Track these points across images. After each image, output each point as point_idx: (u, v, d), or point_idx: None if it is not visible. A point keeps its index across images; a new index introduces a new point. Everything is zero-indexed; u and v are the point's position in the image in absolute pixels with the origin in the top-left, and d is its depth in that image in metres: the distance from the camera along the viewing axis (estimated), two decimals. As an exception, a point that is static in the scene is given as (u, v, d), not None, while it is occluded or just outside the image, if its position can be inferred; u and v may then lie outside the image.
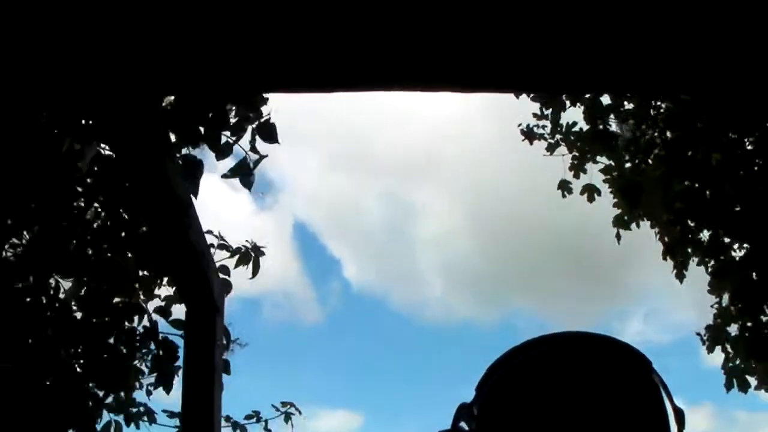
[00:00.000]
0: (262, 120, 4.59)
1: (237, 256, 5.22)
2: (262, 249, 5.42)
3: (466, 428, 1.31)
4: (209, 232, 5.18)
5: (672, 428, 1.25)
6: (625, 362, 1.30)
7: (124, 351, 4.79)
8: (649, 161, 5.69)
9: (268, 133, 4.73)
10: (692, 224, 5.60)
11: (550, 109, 6.54)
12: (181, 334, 4.80)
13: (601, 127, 5.94)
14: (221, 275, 5.12)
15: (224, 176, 4.88)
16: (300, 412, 6.12)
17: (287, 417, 6.06)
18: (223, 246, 5.24)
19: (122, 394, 5.01)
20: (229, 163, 4.70)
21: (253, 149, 4.70)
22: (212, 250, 5.06)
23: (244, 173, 4.68)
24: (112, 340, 4.74)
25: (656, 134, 5.72)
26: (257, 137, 4.62)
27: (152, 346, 4.91)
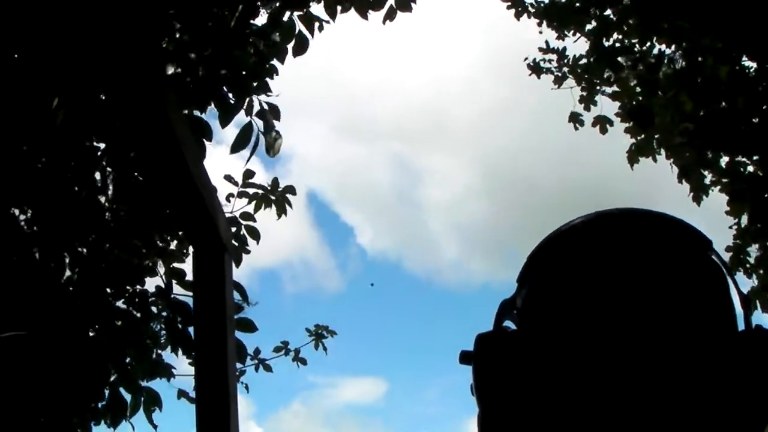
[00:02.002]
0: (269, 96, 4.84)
1: (255, 201, 5.49)
2: (290, 186, 5.66)
3: (511, 327, 1.20)
4: (228, 177, 5.35)
5: (737, 313, 1.13)
6: (682, 240, 1.17)
7: (138, 315, 4.96)
8: (660, 77, 5.73)
9: (274, 110, 4.93)
10: (702, 145, 5.65)
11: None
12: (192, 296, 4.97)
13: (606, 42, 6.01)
14: (245, 221, 5.42)
15: (233, 150, 5.05)
16: (333, 334, 6.31)
17: (317, 341, 6.25)
18: (243, 194, 5.48)
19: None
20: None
21: (262, 115, 4.87)
22: (232, 198, 5.40)
23: (248, 139, 4.87)
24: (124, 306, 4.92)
25: (663, 48, 5.78)
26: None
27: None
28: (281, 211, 5.70)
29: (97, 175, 4.72)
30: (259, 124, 4.88)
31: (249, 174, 5.57)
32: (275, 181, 5.73)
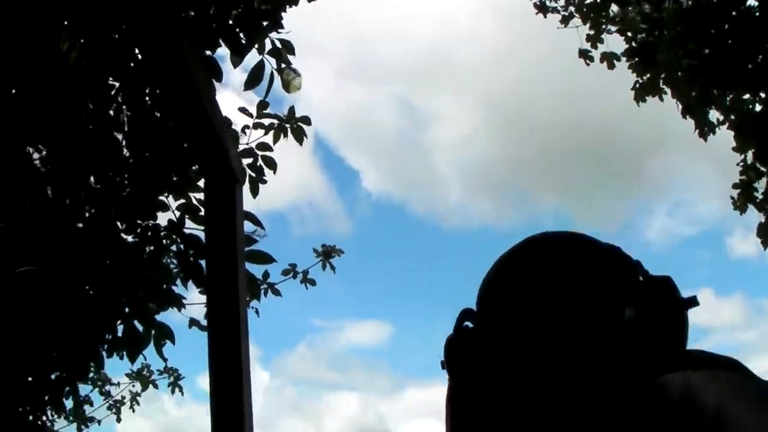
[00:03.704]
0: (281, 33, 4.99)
1: (272, 131, 5.66)
2: (305, 117, 5.86)
3: (469, 326, 1.50)
4: (243, 109, 5.56)
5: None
6: (608, 263, 1.46)
7: (152, 248, 5.23)
8: (664, 15, 5.91)
9: (287, 46, 5.11)
10: (706, 83, 5.85)
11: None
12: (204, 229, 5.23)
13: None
14: (261, 152, 5.58)
15: (246, 87, 5.26)
16: (340, 253, 6.58)
17: (325, 261, 6.51)
18: (259, 125, 5.62)
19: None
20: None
21: (275, 53, 5.06)
22: (248, 130, 5.54)
23: (260, 77, 5.07)
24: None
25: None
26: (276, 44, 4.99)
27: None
28: (299, 140, 5.84)
29: (112, 113, 4.95)
30: (272, 62, 5.10)
31: (264, 105, 5.69)
32: (292, 110, 5.85)
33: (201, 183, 5.60)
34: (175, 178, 5.20)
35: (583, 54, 7.01)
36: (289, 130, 5.81)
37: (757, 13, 5.48)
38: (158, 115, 5.08)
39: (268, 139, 5.74)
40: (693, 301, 1.43)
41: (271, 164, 5.65)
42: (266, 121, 5.76)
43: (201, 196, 5.29)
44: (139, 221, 5.17)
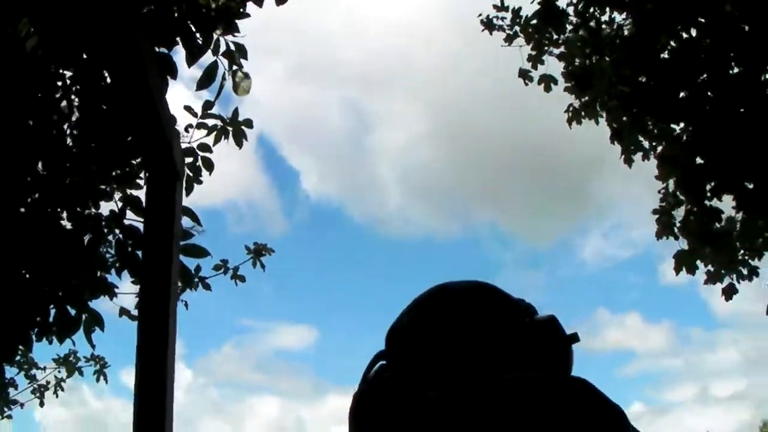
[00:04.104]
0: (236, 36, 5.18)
1: (214, 133, 5.84)
2: (248, 120, 6.04)
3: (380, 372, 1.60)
4: (188, 108, 5.73)
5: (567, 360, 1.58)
6: (506, 310, 1.60)
7: (91, 237, 5.38)
8: (602, 40, 6.20)
9: (241, 49, 5.30)
10: (637, 110, 6.17)
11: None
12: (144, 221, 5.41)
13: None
14: (202, 153, 5.75)
15: (199, 88, 5.44)
16: (271, 252, 6.79)
17: (256, 259, 6.73)
18: (202, 125, 5.82)
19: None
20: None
21: (228, 55, 5.25)
22: (191, 129, 5.73)
23: (213, 77, 5.26)
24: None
25: (607, 15, 6.22)
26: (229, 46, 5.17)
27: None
28: (239, 143, 6.02)
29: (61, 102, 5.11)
30: (225, 63, 5.29)
31: (208, 105, 5.87)
32: (236, 112, 6.04)
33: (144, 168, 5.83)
34: (118, 171, 5.37)
35: (523, 74, 7.28)
36: (230, 133, 5.99)
37: (696, 43, 5.79)
38: (105, 107, 5.25)
39: (210, 140, 5.93)
40: (575, 338, 1.60)
41: (209, 166, 5.83)
42: (210, 122, 5.94)
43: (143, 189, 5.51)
44: (79, 209, 5.33)
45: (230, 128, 5.99)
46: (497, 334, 1.54)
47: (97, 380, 7.81)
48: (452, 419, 1.34)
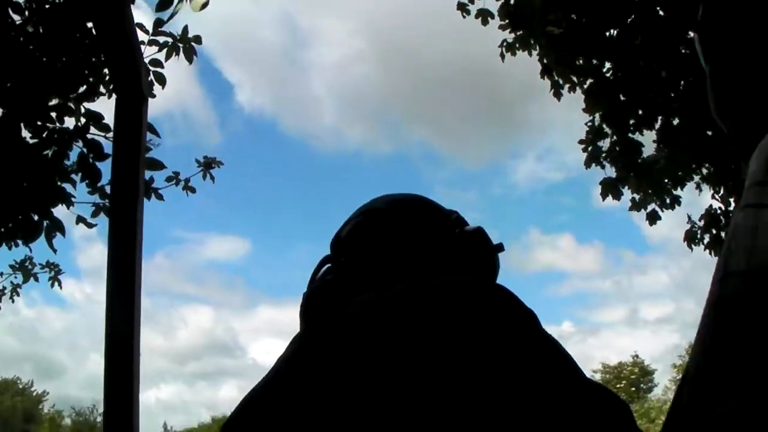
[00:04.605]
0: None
1: (165, 49, 6.19)
2: (197, 36, 6.38)
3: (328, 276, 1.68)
4: (140, 25, 5.99)
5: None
6: (438, 221, 1.72)
7: (55, 149, 5.81)
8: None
9: None
10: (566, 50, 6.67)
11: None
12: (106, 136, 5.85)
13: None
14: (153, 68, 6.08)
15: (158, 9, 5.79)
16: (220, 164, 7.24)
17: (205, 171, 7.18)
18: (153, 42, 6.12)
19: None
20: None
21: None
22: (143, 46, 5.91)
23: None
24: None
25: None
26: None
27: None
28: (190, 59, 6.36)
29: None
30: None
31: (159, 23, 6.14)
32: (185, 29, 6.32)
33: (102, 90, 6.23)
34: (81, 88, 5.78)
35: (461, 7, 7.65)
36: (181, 49, 6.32)
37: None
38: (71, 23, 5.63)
39: (161, 56, 6.25)
40: (500, 247, 1.72)
41: (162, 80, 6.18)
42: (161, 39, 6.23)
43: (104, 103, 5.94)
44: (40, 123, 5.74)
45: (180, 45, 6.31)
46: (430, 243, 1.65)
47: (52, 286, 8.22)
48: (381, 320, 1.39)
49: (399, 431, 1.24)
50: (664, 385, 55.59)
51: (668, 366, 59.21)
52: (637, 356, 57.39)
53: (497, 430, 1.24)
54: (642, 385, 56.77)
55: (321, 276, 1.69)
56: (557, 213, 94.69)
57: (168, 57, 6.29)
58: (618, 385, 55.14)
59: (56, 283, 8.24)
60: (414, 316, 1.37)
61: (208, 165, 7.39)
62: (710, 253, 8.18)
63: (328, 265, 1.71)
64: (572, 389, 1.33)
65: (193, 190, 7.33)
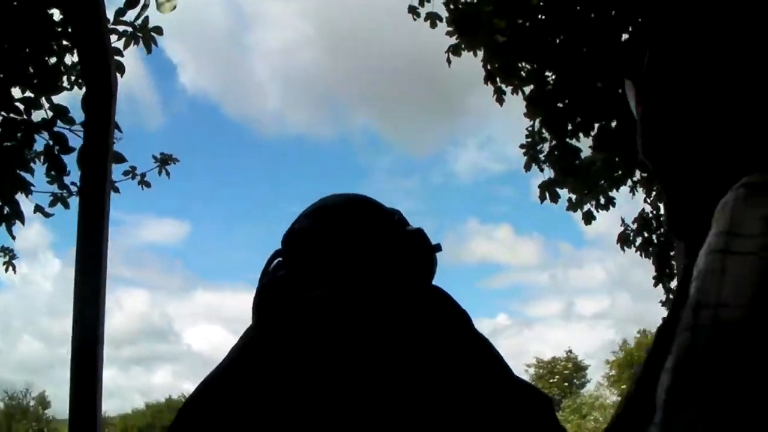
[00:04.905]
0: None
1: (124, 39, 6.39)
2: (158, 27, 6.54)
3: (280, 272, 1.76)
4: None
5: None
6: (382, 221, 1.82)
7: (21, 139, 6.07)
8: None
9: None
10: (511, 57, 7.06)
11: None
12: (70, 128, 6.13)
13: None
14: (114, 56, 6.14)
15: (127, 7, 6.09)
16: (176, 161, 7.53)
17: (161, 167, 7.46)
18: (113, 31, 6.23)
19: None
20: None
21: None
22: None
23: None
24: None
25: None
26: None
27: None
28: (149, 49, 6.57)
29: None
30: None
31: (121, 12, 6.31)
32: (146, 20, 6.45)
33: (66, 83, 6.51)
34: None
35: (412, 10, 7.85)
36: (140, 39, 6.51)
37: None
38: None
39: (120, 44, 6.39)
40: (438, 248, 1.83)
41: (122, 69, 6.23)
42: (120, 28, 6.40)
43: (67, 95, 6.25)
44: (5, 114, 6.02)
45: (140, 34, 6.48)
46: (376, 243, 1.75)
47: (6, 270, 8.38)
48: (329, 317, 1.50)
49: (339, 421, 1.38)
50: (597, 381, 56.55)
51: (602, 362, 60.25)
52: (570, 351, 58.15)
53: (429, 423, 1.37)
54: (575, 380, 57.50)
55: (272, 270, 1.78)
56: (496, 204, 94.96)
57: (126, 46, 6.48)
58: (551, 380, 55.95)
59: (10, 268, 8.40)
60: (359, 315, 1.50)
61: (164, 162, 7.65)
62: (641, 255, 8.63)
63: (279, 259, 1.79)
64: (500, 386, 1.48)
65: (148, 185, 7.60)
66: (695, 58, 1.14)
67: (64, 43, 6.21)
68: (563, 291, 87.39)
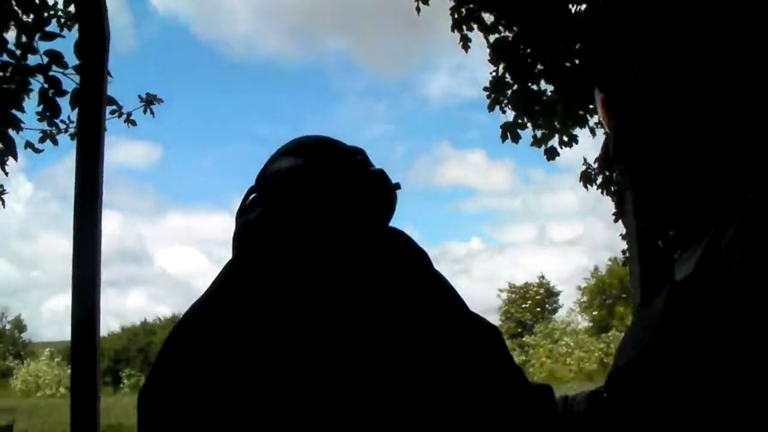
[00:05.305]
0: None
1: None
2: None
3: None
4: None
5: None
6: (348, 164, 1.91)
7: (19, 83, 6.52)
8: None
9: None
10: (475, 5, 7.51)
11: None
12: (64, 72, 6.58)
13: None
14: None
15: None
16: (160, 101, 7.98)
17: (146, 107, 7.93)
18: None
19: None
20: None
21: None
22: None
23: None
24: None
25: None
26: None
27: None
28: None
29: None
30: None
31: None
32: None
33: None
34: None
35: None
36: None
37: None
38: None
39: None
40: (397, 186, 1.97)
41: None
42: None
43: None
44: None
45: None
46: (342, 185, 1.86)
47: (-5, 206, 8.81)
48: (298, 262, 1.63)
49: (302, 368, 1.50)
50: (568, 307, 57.52)
51: (574, 288, 61.15)
52: (543, 277, 58.94)
53: (386, 361, 1.49)
54: (547, 305, 58.41)
55: (248, 207, 1.87)
56: (469, 129, 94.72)
57: None
58: (523, 305, 56.95)
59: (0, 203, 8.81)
60: (323, 260, 1.62)
61: (149, 102, 7.98)
62: (602, 192, 9.08)
63: (254, 195, 1.90)
64: (455, 320, 1.57)
65: (134, 123, 7.92)
66: (679, 78, 1.23)
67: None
68: (536, 217, 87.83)
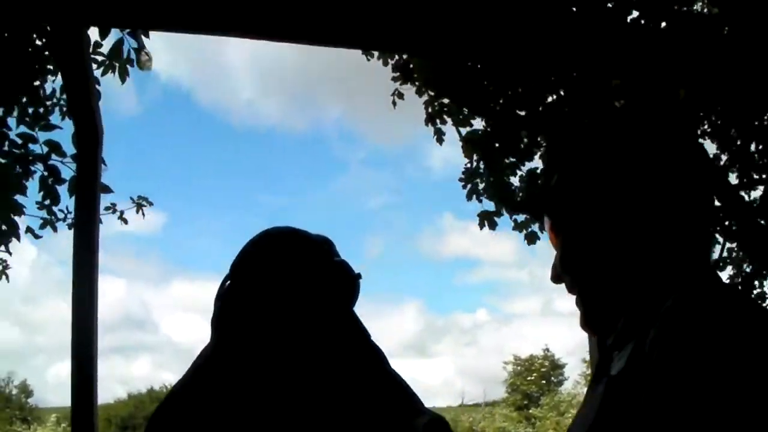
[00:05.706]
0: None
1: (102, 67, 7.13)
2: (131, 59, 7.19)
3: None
4: None
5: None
6: (316, 253, 2.03)
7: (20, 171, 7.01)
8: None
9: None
10: (448, 101, 8.03)
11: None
12: (62, 161, 7.07)
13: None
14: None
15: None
16: (150, 204, 8.53)
17: (138, 207, 8.48)
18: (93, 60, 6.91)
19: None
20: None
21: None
22: None
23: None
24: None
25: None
26: None
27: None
28: (123, 79, 7.13)
29: None
30: (131, 41, 6.89)
31: (97, 45, 7.07)
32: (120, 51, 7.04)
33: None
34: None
35: (365, 52, 8.34)
36: (116, 68, 7.16)
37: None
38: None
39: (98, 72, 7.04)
40: (359, 276, 2.05)
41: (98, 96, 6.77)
42: (99, 57, 7.08)
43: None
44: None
45: (117, 64, 7.13)
46: (308, 275, 1.98)
47: (-1, 279, 9.20)
48: (271, 342, 1.84)
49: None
50: (574, 380, 56.88)
51: (579, 360, 60.58)
52: (548, 349, 58.36)
53: None
54: (553, 378, 57.76)
55: (224, 292, 2.03)
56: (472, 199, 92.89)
57: (104, 73, 7.15)
58: (529, 378, 56.39)
59: (3, 276, 9.18)
60: (288, 347, 1.83)
61: (140, 204, 8.56)
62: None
63: (229, 282, 2.04)
64: (403, 413, 1.76)
65: (125, 221, 8.51)
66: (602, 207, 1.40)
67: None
68: (541, 288, 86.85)
